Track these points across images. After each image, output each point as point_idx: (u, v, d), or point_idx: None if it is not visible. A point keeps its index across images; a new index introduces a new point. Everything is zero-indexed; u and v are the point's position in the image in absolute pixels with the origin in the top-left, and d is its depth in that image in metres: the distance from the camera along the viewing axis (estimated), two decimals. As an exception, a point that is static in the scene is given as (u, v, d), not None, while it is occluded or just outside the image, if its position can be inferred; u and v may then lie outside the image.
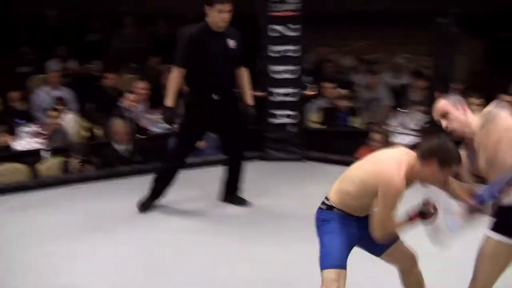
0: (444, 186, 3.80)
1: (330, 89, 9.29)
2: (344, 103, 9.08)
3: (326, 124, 9.02)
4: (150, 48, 11.25)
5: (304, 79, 8.49)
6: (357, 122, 9.15)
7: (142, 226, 6.18)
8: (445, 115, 3.85)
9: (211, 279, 5.02)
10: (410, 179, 3.65)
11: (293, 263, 5.29)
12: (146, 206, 6.43)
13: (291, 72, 7.98)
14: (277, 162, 8.14)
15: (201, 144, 7.83)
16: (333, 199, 3.89)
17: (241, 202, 6.58)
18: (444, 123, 3.85)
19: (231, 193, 6.61)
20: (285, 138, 8.16)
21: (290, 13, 7.87)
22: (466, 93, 8.86)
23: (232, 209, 6.58)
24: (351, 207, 3.83)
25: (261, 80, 8.10)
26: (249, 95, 6.37)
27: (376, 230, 3.70)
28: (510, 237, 3.69)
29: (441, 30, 7.41)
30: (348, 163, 7.55)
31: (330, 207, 3.88)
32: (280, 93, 8.03)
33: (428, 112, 8.03)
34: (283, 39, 7.90)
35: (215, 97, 6.12)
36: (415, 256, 3.99)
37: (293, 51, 7.97)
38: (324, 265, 3.73)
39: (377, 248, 3.94)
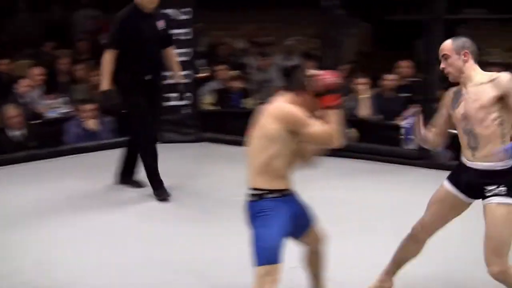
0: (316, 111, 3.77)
1: (223, 71, 9.33)
2: (236, 85, 9.13)
3: (219, 106, 9.05)
4: (45, 33, 11.02)
5: (197, 62, 8.50)
6: (249, 103, 9.21)
7: (42, 212, 6.05)
8: (445, 56, 3.94)
9: (121, 260, 4.97)
10: None
11: (201, 241, 5.31)
12: (162, 192, 6.32)
13: (184, 55, 7.95)
14: (173, 144, 8.12)
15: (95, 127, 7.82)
16: (258, 183, 3.74)
17: (138, 184, 6.55)
18: (442, 64, 3.95)
19: (129, 176, 6.57)
20: (179, 120, 8.15)
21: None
22: (353, 74, 9.09)
23: (131, 192, 6.54)
24: (277, 175, 3.72)
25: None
26: (179, 72, 6.49)
27: (328, 140, 3.70)
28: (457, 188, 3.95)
29: (327, 12, 7.49)
30: (241, 143, 7.67)
31: (259, 196, 3.73)
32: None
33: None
34: (174, 23, 7.85)
35: (147, 77, 6.14)
36: (324, 237, 4.01)
37: (185, 34, 7.95)
38: (257, 262, 3.65)
39: (301, 229, 3.89)
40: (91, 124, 7.93)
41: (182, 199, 6.39)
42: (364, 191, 6.47)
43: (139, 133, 6.33)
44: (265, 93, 9.51)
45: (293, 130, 3.64)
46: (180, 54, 7.88)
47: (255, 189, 3.75)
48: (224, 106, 9.03)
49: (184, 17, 7.93)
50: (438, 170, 6.31)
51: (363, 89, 8.40)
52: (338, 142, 3.71)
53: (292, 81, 3.83)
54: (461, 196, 3.94)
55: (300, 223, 3.87)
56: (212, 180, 6.87)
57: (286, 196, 3.76)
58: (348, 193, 6.39)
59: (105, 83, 6.10)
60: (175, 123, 8.14)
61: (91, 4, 11.17)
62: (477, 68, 3.91)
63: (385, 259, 4.19)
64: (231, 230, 4.93)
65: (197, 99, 8.40)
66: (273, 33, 11.79)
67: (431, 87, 7.16)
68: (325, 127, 3.66)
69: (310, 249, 4.02)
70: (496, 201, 3.76)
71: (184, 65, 7.90)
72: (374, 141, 7.79)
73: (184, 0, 7.93)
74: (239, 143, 7.77)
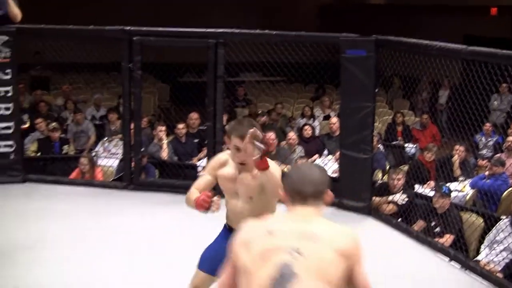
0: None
1: (41, 123, 9.12)
2: (56, 135, 8.93)
3: (42, 152, 8.80)
4: None
5: (21, 116, 8.25)
6: (68, 150, 9.07)
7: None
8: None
9: None
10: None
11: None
12: None
13: (7, 109, 7.71)
14: (1, 185, 7.74)
15: None
16: None
17: None
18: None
19: None
20: (6, 164, 7.84)
21: (3, 60, 7.61)
22: (154, 123, 9.21)
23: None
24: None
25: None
26: None
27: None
28: None
29: (127, 73, 7.56)
30: (62, 183, 7.67)
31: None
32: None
33: (123, 140, 8.14)
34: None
35: None
36: None
37: (7, 91, 7.69)
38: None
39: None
40: None
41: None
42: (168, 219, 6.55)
43: None
44: (80, 141, 9.43)
45: None
46: (4, 109, 7.69)
47: None
48: (46, 152, 8.79)
49: (5, 77, 7.65)
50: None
51: (162, 135, 8.53)
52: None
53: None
54: None
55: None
56: (29, 216, 6.68)
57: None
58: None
59: None
60: (2, 167, 7.80)
61: None
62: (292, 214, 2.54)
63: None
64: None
65: (22, 147, 8.11)
66: (86, 92, 11.75)
67: (217, 132, 7.44)
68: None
69: None
70: None
71: (8, 118, 7.73)
72: (173, 177, 7.91)
73: (5, 63, 7.62)
74: (59, 183, 7.75)
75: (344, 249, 2.40)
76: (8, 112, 7.75)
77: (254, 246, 2.41)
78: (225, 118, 8.31)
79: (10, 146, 7.83)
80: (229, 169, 3.74)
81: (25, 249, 5.71)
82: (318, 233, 2.41)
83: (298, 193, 2.50)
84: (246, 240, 2.45)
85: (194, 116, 9.03)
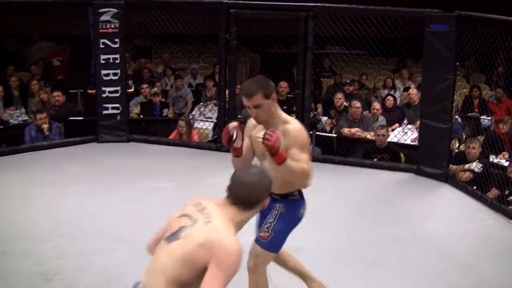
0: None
1: (145, 88, 9.36)
2: (157, 99, 9.17)
3: (144, 114, 9.06)
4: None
5: (126, 81, 8.50)
6: (168, 113, 9.28)
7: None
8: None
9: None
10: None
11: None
12: None
13: (115, 74, 7.97)
14: (108, 144, 8.10)
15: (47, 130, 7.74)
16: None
17: None
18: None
19: None
20: (114, 125, 8.13)
21: (112, 30, 7.85)
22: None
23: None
24: None
25: (94, 81, 8.09)
26: None
27: None
28: None
29: (223, 42, 7.66)
30: (162, 143, 7.88)
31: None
32: (108, 90, 8.01)
33: (218, 105, 8.27)
34: (108, 49, 7.88)
35: None
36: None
37: (115, 58, 7.93)
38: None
39: None
40: (44, 128, 7.81)
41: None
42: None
43: None
44: (178, 105, 9.64)
45: None
46: (112, 74, 7.95)
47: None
48: (148, 114, 9.05)
49: (114, 45, 7.90)
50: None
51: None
52: None
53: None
54: None
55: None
56: (133, 171, 6.98)
57: None
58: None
59: None
60: (110, 127, 8.11)
61: (43, 38, 10.92)
62: None
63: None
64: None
65: (127, 109, 8.38)
66: (184, 61, 11.94)
67: (306, 100, 7.48)
68: None
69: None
70: None
71: (116, 83, 8.00)
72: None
73: (115, 33, 7.86)
74: (159, 143, 7.99)
75: (209, 242, 2.36)
76: (116, 78, 8.02)
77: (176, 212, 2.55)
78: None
79: (117, 108, 8.12)
80: (259, 130, 3.36)
81: (135, 201, 6.01)
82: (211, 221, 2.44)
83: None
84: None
85: (283, 84, 9.08)
